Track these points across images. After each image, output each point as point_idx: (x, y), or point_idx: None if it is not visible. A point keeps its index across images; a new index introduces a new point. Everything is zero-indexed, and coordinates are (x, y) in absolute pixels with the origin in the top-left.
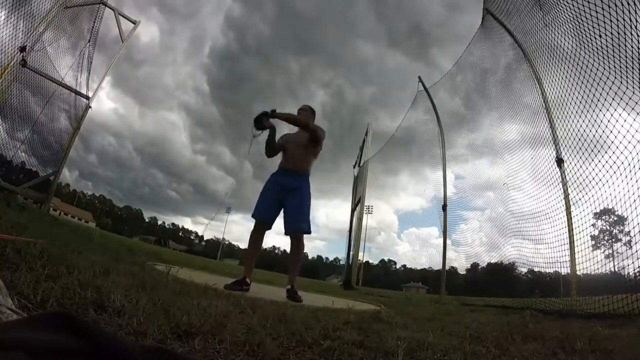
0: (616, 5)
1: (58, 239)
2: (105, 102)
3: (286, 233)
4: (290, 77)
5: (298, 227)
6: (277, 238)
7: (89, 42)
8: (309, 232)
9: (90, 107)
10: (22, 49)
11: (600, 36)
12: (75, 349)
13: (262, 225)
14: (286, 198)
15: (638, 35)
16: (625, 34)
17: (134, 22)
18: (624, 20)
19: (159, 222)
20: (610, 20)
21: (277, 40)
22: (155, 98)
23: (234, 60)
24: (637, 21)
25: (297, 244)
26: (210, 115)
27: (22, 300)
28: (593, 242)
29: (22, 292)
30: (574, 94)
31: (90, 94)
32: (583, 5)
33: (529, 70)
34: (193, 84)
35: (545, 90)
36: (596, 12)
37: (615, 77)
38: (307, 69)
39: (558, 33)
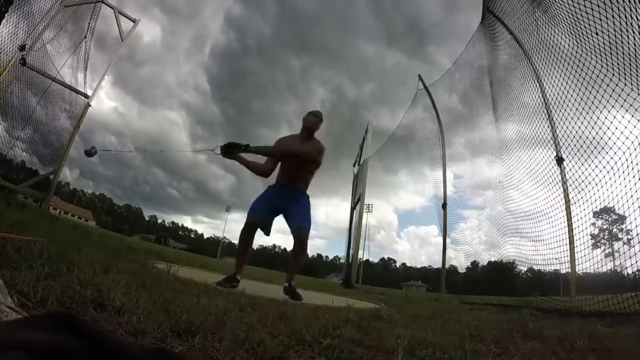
0: (611, 2)
1: (58, 237)
2: (106, 101)
3: (293, 231)
4: (291, 75)
5: (304, 225)
6: (276, 237)
7: (85, 38)
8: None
9: (89, 105)
10: (22, 47)
11: (597, 34)
12: (75, 349)
13: (255, 225)
14: (287, 206)
15: (634, 33)
16: (621, 30)
17: (133, 21)
18: (619, 17)
19: (159, 221)
20: (607, 18)
21: (278, 40)
22: (155, 97)
23: (235, 59)
24: (633, 18)
25: (302, 244)
26: (210, 114)
27: (21, 298)
28: (593, 241)
29: (21, 291)
30: (572, 93)
31: (89, 93)
32: (578, 3)
33: (528, 68)
34: (194, 83)
35: (545, 89)
36: (592, 9)
37: (613, 75)
38: (308, 67)
39: (556, 31)
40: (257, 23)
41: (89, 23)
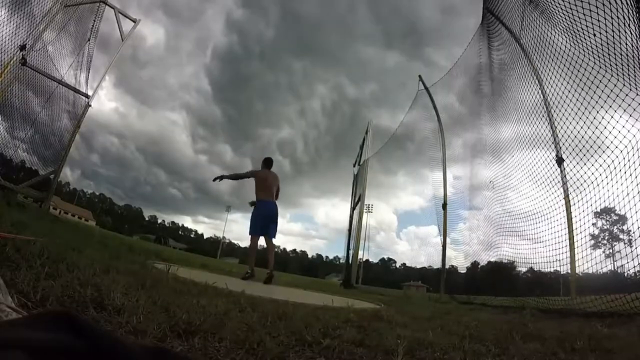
0: (610, 3)
1: (58, 237)
2: (107, 102)
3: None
4: (292, 76)
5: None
6: (278, 238)
7: (89, 40)
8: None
9: (90, 105)
10: (22, 47)
11: (595, 35)
12: (75, 348)
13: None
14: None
15: (631, 34)
16: (619, 32)
17: (134, 21)
18: (617, 18)
19: (159, 221)
20: (605, 19)
21: (279, 43)
22: (157, 98)
23: (237, 61)
24: (630, 20)
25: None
26: (211, 115)
27: (21, 298)
28: (592, 242)
29: (22, 290)
30: (569, 94)
31: (90, 93)
32: (575, 5)
33: (528, 69)
34: (196, 84)
35: (545, 89)
36: (590, 10)
37: (612, 76)
38: (309, 69)
39: (554, 32)
40: (259, 26)
41: (93, 24)
